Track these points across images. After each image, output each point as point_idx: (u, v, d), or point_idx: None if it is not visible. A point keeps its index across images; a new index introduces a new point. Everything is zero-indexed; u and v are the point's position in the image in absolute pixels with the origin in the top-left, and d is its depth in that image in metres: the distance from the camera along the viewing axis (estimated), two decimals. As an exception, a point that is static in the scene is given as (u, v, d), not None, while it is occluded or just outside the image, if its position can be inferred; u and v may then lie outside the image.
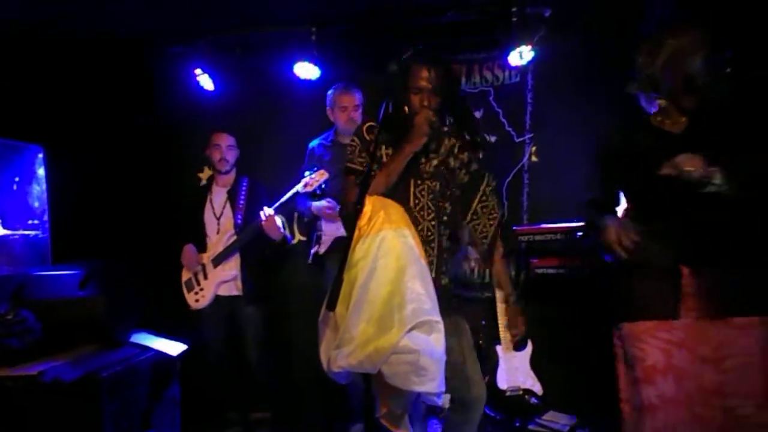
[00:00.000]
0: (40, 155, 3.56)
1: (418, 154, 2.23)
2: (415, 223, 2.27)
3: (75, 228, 3.76)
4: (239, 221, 3.47)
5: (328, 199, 3.38)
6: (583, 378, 3.47)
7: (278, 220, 3.37)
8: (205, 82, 3.85)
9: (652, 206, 2.03)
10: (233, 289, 3.48)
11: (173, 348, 3.16)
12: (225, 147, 3.53)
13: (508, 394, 3.31)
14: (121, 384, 2.68)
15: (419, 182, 2.30)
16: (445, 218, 2.34)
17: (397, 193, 2.26)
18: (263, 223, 3.32)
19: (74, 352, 2.76)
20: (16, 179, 3.64)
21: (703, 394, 1.88)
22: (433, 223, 2.31)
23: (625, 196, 2.19)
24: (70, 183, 3.79)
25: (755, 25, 2.65)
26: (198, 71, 3.80)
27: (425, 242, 2.29)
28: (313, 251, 3.51)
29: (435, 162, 2.32)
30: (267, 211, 3.32)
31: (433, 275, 2.21)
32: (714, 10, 2.67)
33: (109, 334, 2.91)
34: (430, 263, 2.25)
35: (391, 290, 2.06)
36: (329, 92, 3.47)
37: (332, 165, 3.39)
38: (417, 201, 2.31)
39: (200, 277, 3.48)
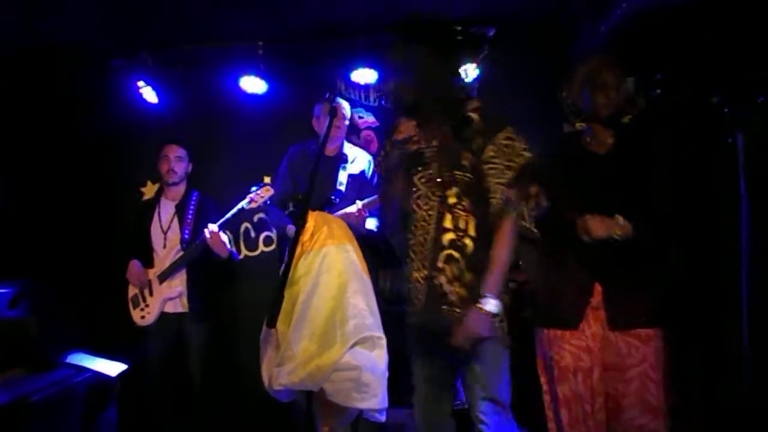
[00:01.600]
0: (-27, 169, 3.42)
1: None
2: (414, 212, 2.05)
3: (8, 245, 3.61)
4: (186, 236, 3.39)
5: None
6: (529, 391, 3.52)
7: (224, 237, 3.31)
8: (149, 94, 3.77)
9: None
10: (179, 306, 3.39)
11: (112, 368, 3.06)
12: (173, 158, 3.46)
13: (455, 408, 3.32)
14: (53, 408, 2.57)
15: (418, 170, 2.11)
16: (448, 206, 2.03)
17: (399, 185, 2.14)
18: (208, 240, 3.25)
19: (3, 376, 2.63)
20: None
21: (605, 399, 2.07)
22: (430, 213, 2.00)
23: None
24: (5, 198, 3.65)
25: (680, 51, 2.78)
26: (141, 84, 3.72)
27: (419, 234, 2.03)
28: (284, 265, 3.46)
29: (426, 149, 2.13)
30: (211, 227, 3.26)
31: (426, 272, 1.95)
32: (637, 38, 2.82)
33: (42, 355, 2.80)
34: (423, 258, 1.98)
35: (333, 306, 2.06)
36: (316, 104, 3.41)
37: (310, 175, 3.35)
38: (417, 190, 2.08)
39: (146, 293, 3.39)
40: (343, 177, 3.28)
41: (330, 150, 3.38)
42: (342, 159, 3.34)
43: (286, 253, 3.40)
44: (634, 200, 2.04)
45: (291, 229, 3.29)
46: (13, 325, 2.77)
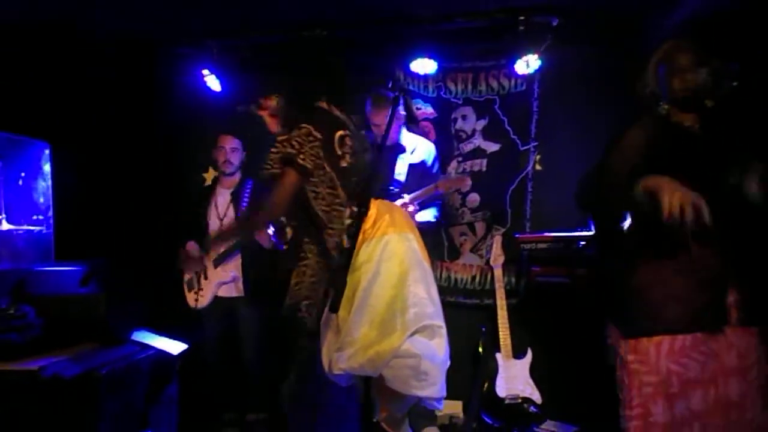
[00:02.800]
0: (47, 151, 3.56)
1: None
2: None
3: (79, 225, 3.76)
4: None
5: None
6: (582, 387, 3.47)
7: (270, 230, 3.36)
8: (212, 82, 3.86)
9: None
10: (233, 290, 3.48)
11: (174, 347, 3.16)
12: (229, 149, 3.54)
13: (506, 402, 3.31)
14: (120, 382, 2.67)
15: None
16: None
17: None
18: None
19: (74, 349, 2.75)
20: (22, 174, 3.64)
21: (726, 406, 1.86)
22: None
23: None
24: (76, 180, 3.79)
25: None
26: (205, 72, 3.81)
27: None
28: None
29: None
30: None
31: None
32: (717, 25, 2.71)
33: (110, 331, 2.91)
34: None
35: (394, 294, 2.07)
36: (367, 101, 3.41)
37: None
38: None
39: (201, 277, 3.48)
40: (401, 167, 3.28)
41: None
42: (399, 149, 3.35)
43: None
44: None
45: None
46: (84, 302, 2.89)
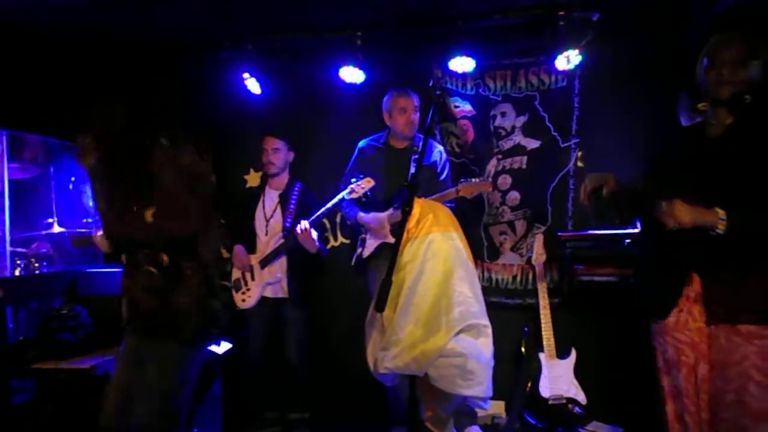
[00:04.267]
0: (94, 156, 3.66)
1: None
2: None
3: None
4: (288, 225, 3.51)
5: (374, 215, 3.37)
6: (628, 388, 3.40)
7: (314, 233, 3.39)
8: (253, 86, 3.91)
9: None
10: (278, 291, 3.52)
11: (218, 346, 3.22)
12: (270, 150, 3.59)
13: (550, 402, 3.27)
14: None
15: None
16: None
17: None
18: (299, 235, 3.34)
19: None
20: (72, 179, 3.76)
21: (710, 397, 2.01)
22: None
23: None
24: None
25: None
26: (246, 75, 3.86)
27: None
28: (356, 254, 3.53)
29: None
30: (303, 224, 3.34)
31: None
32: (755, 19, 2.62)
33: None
34: None
35: (439, 293, 2.07)
36: (386, 96, 3.48)
37: (382, 168, 3.42)
38: None
39: (248, 277, 3.54)
40: (413, 169, 3.28)
41: (400, 143, 3.41)
42: (413, 151, 3.36)
43: (359, 243, 3.49)
44: (742, 189, 1.91)
45: (362, 217, 3.37)
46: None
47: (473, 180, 3.27)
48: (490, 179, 3.71)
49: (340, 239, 4.14)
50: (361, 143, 3.58)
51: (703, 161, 2.03)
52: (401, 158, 3.39)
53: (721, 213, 1.88)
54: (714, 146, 2.04)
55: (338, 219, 4.10)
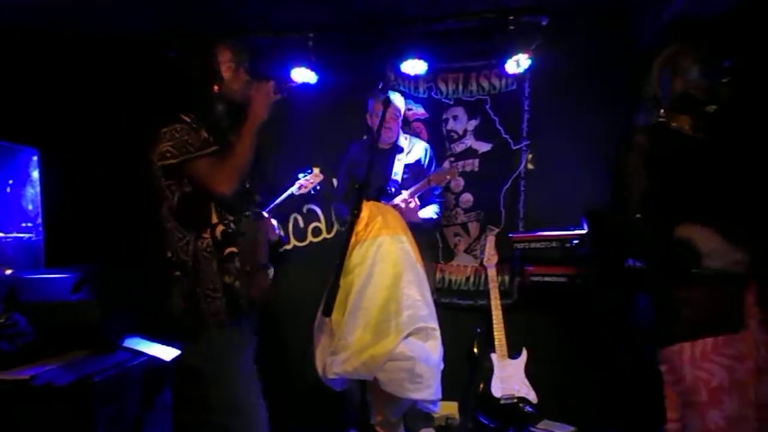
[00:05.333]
0: (35, 158, 3.54)
1: None
2: None
3: (69, 231, 3.73)
4: None
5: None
6: (578, 386, 3.47)
7: (274, 222, 3.35)
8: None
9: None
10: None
11: (167, 353, 3.14)
12: None
13: (502, 402, 3.29)
14: (113, 389, 2.65)
15: None
16: None
17: None
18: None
19: (67, 357, 2.73)
20: (10, 182, 3.60)
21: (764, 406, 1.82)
22: None
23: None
24: (65, 186, 3.76)
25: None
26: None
27: None
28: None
29: None
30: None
31: None
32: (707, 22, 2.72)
33: (103, 338, 2.88)
34: None
35: (388, 296, 2.06)
36: (370, 100, 3.45)
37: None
38: None
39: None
40: (398, 167, 3.30)
41: (385, 143, 3.41)
42: (397, 149, 3.37)
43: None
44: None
45: None
46: (76, 308, 2.86)
47: (442, 168, 3.31)
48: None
49: (293, 242, 4.09)
50: (350, 147, 3.56)
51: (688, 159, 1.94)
52: (385, 156, 3.37)
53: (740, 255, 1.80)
54: (695, 146, 1.96)
55: (291, 220, 4.06)
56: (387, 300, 2.08)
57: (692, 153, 1.94)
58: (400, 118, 3.42)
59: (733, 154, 1.90)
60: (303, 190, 3.30)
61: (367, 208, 2.18)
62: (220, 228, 2.12)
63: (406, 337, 2.05)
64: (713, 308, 1.81)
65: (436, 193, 3.42)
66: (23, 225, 3.58)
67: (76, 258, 3.30)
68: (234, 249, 2.06)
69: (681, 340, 1.84)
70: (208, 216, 2.14)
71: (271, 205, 3.34)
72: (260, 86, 2.17)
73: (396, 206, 3.08)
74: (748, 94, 2.00)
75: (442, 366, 2.15)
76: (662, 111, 2.05)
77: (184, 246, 2.13)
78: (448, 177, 3.32)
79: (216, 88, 2.19)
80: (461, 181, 3.84)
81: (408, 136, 3.50)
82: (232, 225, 2.15)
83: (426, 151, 3.46)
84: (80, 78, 3.94)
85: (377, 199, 2.99)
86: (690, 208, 1.86)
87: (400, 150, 3.36)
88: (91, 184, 3.98)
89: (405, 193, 3.12)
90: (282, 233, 3.57)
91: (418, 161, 3.39)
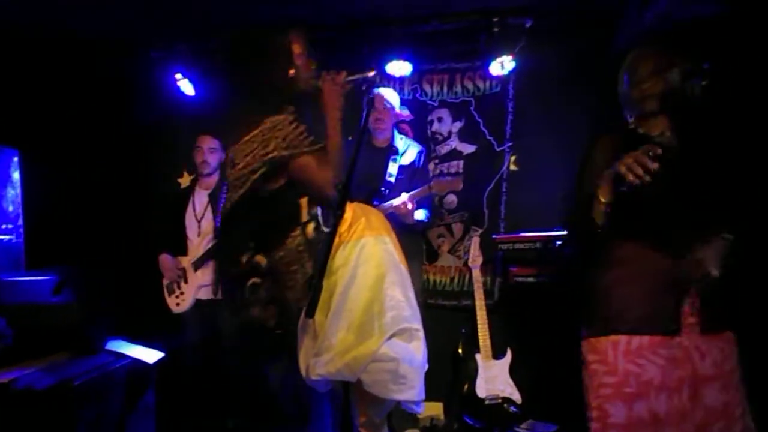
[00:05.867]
0: (15, 158, 3.50)
1: None
2: None
3: (50, 233, 3.70)
4: (219, 224, 3.44)
5: None
6: (563, 386, 3.48)
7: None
8: (186, 86, 3.82)
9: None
10: (212, 294, 3.44)
11: (150, 355, 3.11)
12: (206, 149, 3.52)
13: (486, 402, 3.32)
14: (95, 392, 2.63)
15: None
16: None
17: None
18: None
19: (47, 360, 2.70)
20: (-10, 182, 3.57)
21: (704, 415, 1.84)
22: None
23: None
24: (46, 187, 3.73)
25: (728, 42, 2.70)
26: (178, 76, 3.77)
27: None
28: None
29: None
30: None
31: None
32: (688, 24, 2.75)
33: (84, 341, 2.86)
34: None
35: (371, 297, 2.06)
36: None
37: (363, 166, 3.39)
38: None
39: (180, 281, 3.44)
40: (393, 168, 3.30)
41: (380, 141, 3.40)
42: (392, 151, 3.36)
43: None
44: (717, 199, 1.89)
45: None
46: (56, 311, 2.84)
47: (446, 178, 3.30)
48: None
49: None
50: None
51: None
52: (380, 157, 3.37)
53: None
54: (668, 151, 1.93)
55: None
56: (370, 301, 2.07)
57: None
58: (393, 112, 3.39)
59: (697, 160, 1.93)
60: None
61: (351, 209, 2.18)
62: (311, 225, 2.09)
63: (390, 338, 2.04)
64: (652, 308, 1.87)
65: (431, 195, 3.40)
66: (3, 227, 3.54)
67: (57, 259, 3.26)
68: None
69: (619, 333, 1.89)
70: (297, 214, 2.08)
71: None
72: (330, 77, 2.11)
73: (396, 207, 3.07)
74: (719, 99, 2.03)
75: (426, 367, 2.14)
76: (631, 119, 2.09)
77: (271, 247, 2.05)
78: (451, 188, 3.33)
79: (291, 73, 2.12)
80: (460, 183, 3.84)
81: (403, 137, 3.50)
82: (321, 224, 2.11)
83: (420, 154, 3.46)
84: (61, 79, 3.90)
85: (370, 201, 2.99)
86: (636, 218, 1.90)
87: (396, 151, 3.35)
88: (73, 185, 3.96)
89: (405, 196, 3.11)
90: None
91: (412, 163, 3.39)
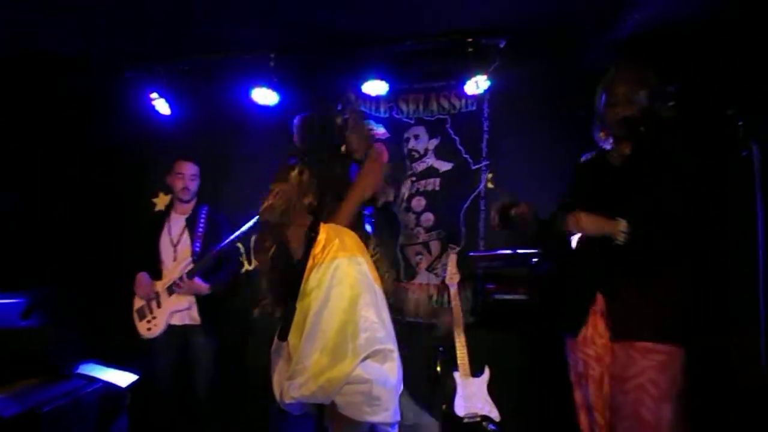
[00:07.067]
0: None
1: None
2: None
3: (19, 255, 3.62)
4: (197, 249, 3.41)
5: None
6: (541, 404, 3.49)
7: (199, 283, 3.38)
8: (161, 106, 3.80)
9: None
10: (186, 319, 3.40)
11: (122, 379, 3.06)
12: (188, 176, 3.50)
13: (465, 420, 3.29)
14: (64, 419, 2.57)
15: None
16: None
17: None
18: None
19: (15, 386, 2.64)
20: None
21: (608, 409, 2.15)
22: None
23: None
24: (15, 208, 3.66)
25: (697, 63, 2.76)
26: (154, 95, 3.75)
27: None
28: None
29: None
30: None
31: None
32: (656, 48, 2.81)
33: (54, 366, 2.80)
34: None
35: (345, 319, 2.04)
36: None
37: None
38: None
39: (153, 305, 3.39)
40: None
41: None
42: None
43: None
44: (643, 209, 2.04)
45: None
46: (25, 335, 2.78)
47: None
48: (404, 202, 3.76)
49: (255, 263, 4.05)
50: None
51: (608, 190, 2.15)
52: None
53: (623, 224, 2.01)
54: (616, 175, 2.18)
55: (252, 242, 4.01)
56: (344, 323, 2.05)
57: (609, 180, 2.19)
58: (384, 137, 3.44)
59: (648, 174, 2.10)
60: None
61: (324, 231, 2.16)
62: None
63: (364, 359, 2.02)
64: (566, 313, 2.28)
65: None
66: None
67: (26, 282, 3.19)
68: None
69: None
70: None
71: (235, 236, 3.32)
72: (377, 154, 2.24)
73: None
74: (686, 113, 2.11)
75: (401, 388, 2.12)
76: (602, 134, 2.20)
77: None
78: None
79: (342, 148, 2.28)
80: (422, 201, 3.86)
81: None
82: None
83: None
84: (29, 97, 3.86)
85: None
86: None
87: None
88: (43, 205, 3.89)
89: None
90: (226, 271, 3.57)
91: None
